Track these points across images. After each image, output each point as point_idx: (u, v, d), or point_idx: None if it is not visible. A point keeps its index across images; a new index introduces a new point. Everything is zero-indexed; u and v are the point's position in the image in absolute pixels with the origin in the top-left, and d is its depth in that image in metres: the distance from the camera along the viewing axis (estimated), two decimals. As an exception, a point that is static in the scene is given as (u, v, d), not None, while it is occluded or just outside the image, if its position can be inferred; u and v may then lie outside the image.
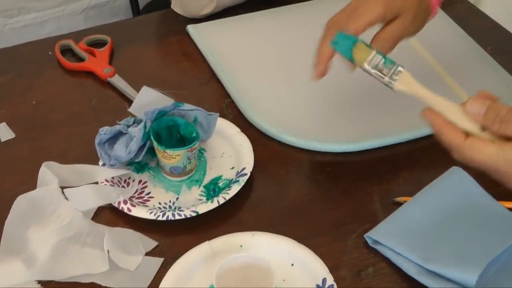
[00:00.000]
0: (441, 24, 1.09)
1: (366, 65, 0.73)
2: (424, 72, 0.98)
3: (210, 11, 1.10)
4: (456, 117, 0.67)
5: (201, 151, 0.87)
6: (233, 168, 0.85)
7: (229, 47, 1.04)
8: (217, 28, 1.08)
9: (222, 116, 0.91)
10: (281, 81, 0.98)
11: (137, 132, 0.81)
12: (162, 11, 1.15)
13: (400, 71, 0.72)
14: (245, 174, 0.82)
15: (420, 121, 0.70)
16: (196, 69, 1.02)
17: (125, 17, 1.77)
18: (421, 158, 0.87)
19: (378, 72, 0.72)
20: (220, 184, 0.83)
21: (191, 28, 1.08)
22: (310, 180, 0.85)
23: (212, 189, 0.82)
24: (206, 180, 0.84)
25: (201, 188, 0.83)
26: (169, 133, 0.84)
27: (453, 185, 0.81)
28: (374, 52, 0.73)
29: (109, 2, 1.72)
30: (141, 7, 1.71)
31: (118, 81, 0.98)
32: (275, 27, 1.09)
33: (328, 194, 0.83)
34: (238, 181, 0.82)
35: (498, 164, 0.65)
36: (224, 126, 0.89)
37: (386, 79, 0.72)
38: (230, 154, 0.87)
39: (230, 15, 1.11)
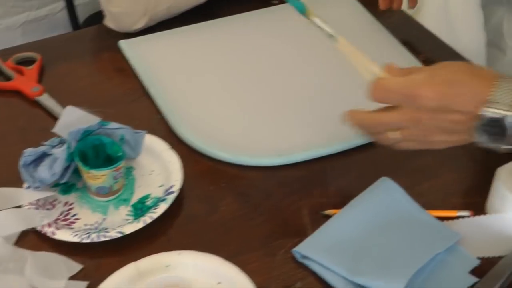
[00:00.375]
0: (373, 32, 1.10)
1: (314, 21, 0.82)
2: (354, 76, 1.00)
3: (143, 26, 1.08)
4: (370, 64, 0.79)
5: (129, 169, 0.86)
6: (161, 186, 0.84)
7: (161, 62, 1.03)
8: (150, 43, 1.07)
9: (153, 132, 0.90)
10: (213, 96, 0.98)
11: (61, 153, 0.79)
12: (94, 26, 1.13)
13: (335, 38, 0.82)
14: (173, 192, 0.81)
15: (350, 133, 0.71)
16: (128, 86, 1.00)
17: (65, 30, 1.75)
18: (351, 171, 0.87)
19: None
20: (148, 203, 0.82)
21: (123, 44, 1.06)
22: (240, 196, 0.84)
23: (140, 208, 0.81)
24: (134, 199, 0.83)
25: (129, 208, 0.82)
26: (96, 152, 0.83)
27: (381, 195, 0.82)
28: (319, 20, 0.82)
29: (48, 16, 1.70)
30: (81, 20, 1.69)
31: (46, 100, 0.96)
32: (209, 41, 1.08)
33: (258, 209, 0.83)
34: (165, 199, 0.81)
35: (408, 85, 0.74)
36: (154, 143, 0.88)
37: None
38: (159, 172, 0.86)
39: (165, 29, 1.11)
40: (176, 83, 0.99)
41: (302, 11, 0.82)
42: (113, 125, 0.82)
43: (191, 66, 1.03)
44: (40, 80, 1.01)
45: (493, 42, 1.26)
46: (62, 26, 1.76)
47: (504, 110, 0.69)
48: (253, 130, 0.92)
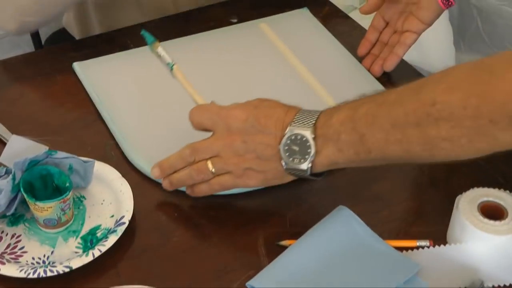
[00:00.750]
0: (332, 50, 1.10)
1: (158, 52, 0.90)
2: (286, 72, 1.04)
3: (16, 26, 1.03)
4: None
5: (80, 199, 0.83)
6: (112, 216, 0.81)
7: (116, 84, 1.00)
8: (105, 65, 1.04)
9: (105, 159, 0.87)
10: (168, 120, 0.95)
11: (5, 184, 0.76)
12: (49, 47, 1.11)
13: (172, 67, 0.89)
14: (124, 223, 0.79)
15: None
16: (80, 110, 0.97)
17: (29, 48, 1.71)
18: (308, 199, 0.85)
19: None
20: (98, 235, 0.79)
21: (77, 66, 1.03)
22: (193, 226, 0.82)
23: (90, 240, 0.78)
24: (84, 231, 0.80)
25: (78, 240, 0.79)
26: (44, 183, 0.80)
27: (338, 225, 0.80)
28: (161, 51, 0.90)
29: (9, 34, 1.66)
30: (44, 38, 1.66)
31: (-5, 126, 0.93)
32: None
33: (211, 240, 0.80)
34: (115, 231, 0.78)
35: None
36: (105, 171, 0.85)
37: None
38: (110, 201, 0.83)
39: (121, 50, 1.08)
40: (130, 107, 0.96)
41: (150, 42, 0.90)
42: (60, 154, 0.79)
43: (147, 88, 1.00)
44: (-11, 105, 0.98)
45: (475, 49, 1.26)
46: (25, 44, 1.71)
47: (305, 128, 0.75)
48: None
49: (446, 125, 0.67)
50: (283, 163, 0.77)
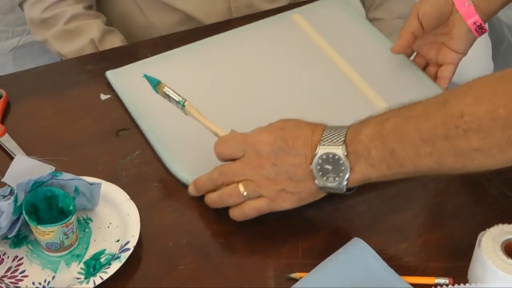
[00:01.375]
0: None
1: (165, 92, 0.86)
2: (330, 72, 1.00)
3: None
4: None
5: (86, 221, 0.81)
6: (118, 240, 0.78)
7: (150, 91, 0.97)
8: (138, 72, 1.00)
9: (115, 180, 0.85)
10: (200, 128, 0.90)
11: (6, 206, 0.74)
12: (66, 60, 1.08)
13: (183, 105, 0.85)
14: (128, 249, 0.76)
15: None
16: (96, 127, 0.94)
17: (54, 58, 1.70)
18: (324, 228, 0.81)
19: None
20: (102, 260, 0.76)
21: (110, 74, 1.00)
22: (201, 254, 0.78)
23: (93, 266, 0.76)
24: (88, 255, 0.77)
25: (81, 265, 0.76)
26: (49, 204, 0.77)
27: (352, 259, 0.76)
28: (169, 91, 0.86)
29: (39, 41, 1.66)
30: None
31: (7, 142, 0.91)
32: (194, 65, 1.03)
33: (219, 269, 0.77)
34: (119, 257, 0.75)
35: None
36: (113, 193, 0.82)
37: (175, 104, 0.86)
38: (117, 225, 0.80)
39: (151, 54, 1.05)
40: (167, 115, 0.92)
41: (154, 85, 0.86)
42: (66, 176, 0.77)
43: (184, 93, 0.96)
44: (3, 118, 0.96)
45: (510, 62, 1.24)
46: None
47: (335, 146, 0.74)
48: None
49: (476, 136, 0.67)
50: (317, 182, 0.75)
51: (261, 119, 0.88)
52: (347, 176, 0.74)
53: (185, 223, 0.82)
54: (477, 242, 0.73)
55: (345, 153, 0.74)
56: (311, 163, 0.75)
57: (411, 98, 0.75)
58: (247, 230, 0.81)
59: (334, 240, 0.79)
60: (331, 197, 0.83)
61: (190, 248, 0.79)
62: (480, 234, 0.73)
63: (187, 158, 0.88)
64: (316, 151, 0.75)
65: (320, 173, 0.75)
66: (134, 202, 0.81)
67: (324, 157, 0.74)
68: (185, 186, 0.85)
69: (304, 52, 1.04)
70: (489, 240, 0.72)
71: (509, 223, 0.78)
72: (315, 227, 0.81)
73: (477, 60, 1.54)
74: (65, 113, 0.97)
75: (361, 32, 1.07)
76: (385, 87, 0.96)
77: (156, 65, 1.02)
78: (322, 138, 0.75)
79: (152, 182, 0.87)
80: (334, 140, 0.75)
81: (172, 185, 0.86)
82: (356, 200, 0.83)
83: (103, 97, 0.99)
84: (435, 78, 0.99)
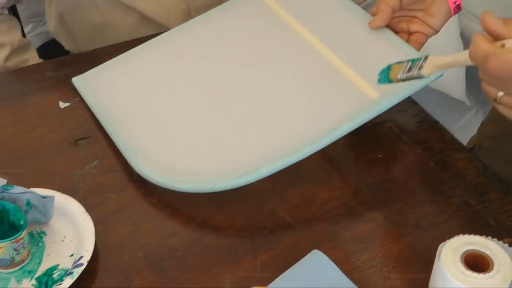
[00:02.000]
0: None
1: (399, 77, 0.78)
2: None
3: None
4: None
5: (40, 235, 0.78)
6: (72, 255, 0.76)
7: (118, 95, 0.95)
8: (103, 76, 0.99)
9: (72, 191, 0.83)
10: (177, 125, 0.90)
11: (-46, 221, 0.72)
12: (27, 66, 1.06)
13: (424, 60, 0.76)
14: (81, 265, 0.74)
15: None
16: (54, 136, 0.92)
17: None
18: (284, 239, 0.79)
19: (408, 75, 0.77)
20: (54, 276, 0.74)
21: (76, 81, 0.98)
22: (158, 268, 0.76)
23: (45, 282, 0.74)
24: (41, 271, 0.75)
25: (33, 281, 0.74)
26: (0, 219, 0.75)
27: (312, 271, 0.74)
28: (404, 64, 0.78)
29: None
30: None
31: (-41, 154, 0.88)
32: (153, 64, 1.00)
33: (176, 283, 0.75)
34: (72, 273, 0.73)
35: None
36: (69, 205, 0.80)
37: (415, 74, 0.77)
38: (71, 238, 0.78)
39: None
40: (135, 117, 0.91)
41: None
42: (17, 189, 0.75)
43: (150, 93, 0.95)
44: (-42, 128, 0.93)
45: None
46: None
47: None
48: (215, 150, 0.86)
49: None
50: None
51: (237, 111, 0.88)
52: None
53: (142, 236, 0.80)
54: (437, 254, 0.72)
55: None
56: None
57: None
58: (205, 242, 0.79)
59: (294, 252, 0.77)
60: (291, 206, 0.82)
61: (147, 262, 0.77)
62: (440, 246, 0.72)
63: (155, 161, 0.85)
64: None
65: None
66: (91, 214, 0.79)
67: None
68: (144, 198, 0.83)
69: (275, 33, 0.99)
70: (449, 252, 0.71)
71: (472, 232, 0.77)
72: (274, 239, 0.79)
73: (445, 37, 1.54)
74: (21, 122, 0.95)
75: (335, 6, 0.99)
76: (365, 64, 0.90)
77: (122, 65, 1.00)
78: None
79: (109, 193, 0.85)
80: None
81: (130, 197, 0.84)
82: (317, 210, 0.82)
83: (62, 105, 0.97)
84: None
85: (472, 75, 1.64)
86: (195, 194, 0.81)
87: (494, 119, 1.07)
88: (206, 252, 0.78)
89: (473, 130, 1.53)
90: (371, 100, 0.84)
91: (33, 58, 1.16)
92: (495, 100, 0.70)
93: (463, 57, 0.72)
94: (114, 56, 1.02)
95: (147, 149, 0.87)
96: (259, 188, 0.84)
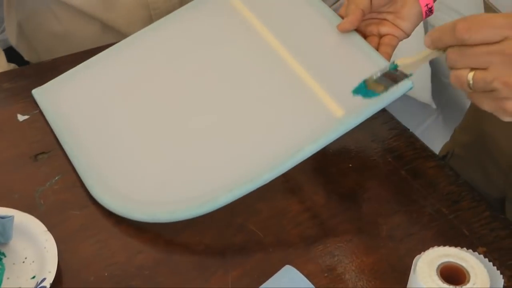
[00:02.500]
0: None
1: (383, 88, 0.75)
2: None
3: None
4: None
5: (-1, 257, 0.75)
6: (34, 277, 0.73)
7: (81, 108, 0.91)
8: (66, 87, 0.95)
9: (33, 209, 0.79)
10: (137, 145, 0.86)
11: None
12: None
13: (397, 64, 0.72)
14: (44, 287, 0.70)
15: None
16: (13, 150, 0.88)
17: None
18: (256, 254, 0.77)
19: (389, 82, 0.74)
20: (15, 300, 0.71)
21: (36, 93, 0.94)
22: (125, 287, 0.74)
23: (5, 307, 0.70)
24: (0, 295, 0.72)
25: (-8, 306, 0.71)
26: (-43, 240, 0.72)
27: (285, 284, 0.72)
28: (377, 73, 0.74)
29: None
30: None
31: None
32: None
33: (143, 304, 0.72)
34: (34, 297, 0.70)
35: None
36: (30, 224, 0.76)
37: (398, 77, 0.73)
38: (33, 259, 0.74)
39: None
40: (95, 133, 0.88)
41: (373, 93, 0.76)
42: (-26, 209, 0.71)
43: (98, 110, 0.91)
44: None
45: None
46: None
47: None
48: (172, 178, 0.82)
49: None
50: None
51: (194, 133, 0.85)
52: None
53: (108, 255, 0.77)
54: (412, 267, 0.70)
55: None
56: None
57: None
58: (174, 260, 0.76)
59: (266, 268, 0.74)
60: (261, 220, 0.80)
61: (113, 282, 0.74)
62: (415, 258, 0.70)
63: (112, 187, 0.82)
64: None
65: None
66: (53, 233, 0.76)
67: None
68: (109, 213, 0.80)
69: (239, 39, 0.93)
70: (425, 265, 0.69)
71: (446, 242, 0.75)
72: (245, 254, 0.77)
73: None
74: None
75: (305, 7, 0.93)
76: (328, 74, 0.85)
77: (81, 76, 0.96)
78: None
79: (72, 210, 0.81)
80: None
81: (94, 213, 0.81)
82: (288, 223, 0.80)
83: (21, 118, 0.93)
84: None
85: (434, 78, 1.64)
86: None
87: (467, 126, 1.06)
88: (175, 270, 0.75)
89: (434, 136, 1.53)
90: (335, 119, 0.80)
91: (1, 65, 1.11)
92: (469, 86, 0.63)
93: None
94: (74, 66, 0.99)
95: (103, 174, 0.83)
96: (228, 202, 0.82)
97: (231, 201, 0.77)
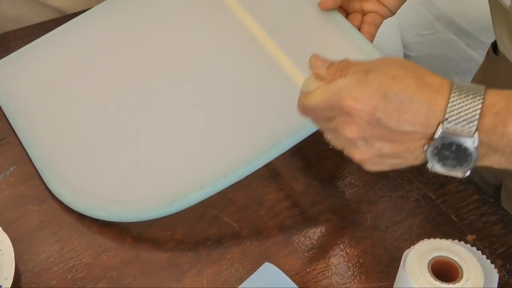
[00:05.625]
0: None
1: None
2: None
3: None
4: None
5: (-50, 261, 0.68)
6: (-11, 284, 0.66)
7: (33, 89, 0.83)
8: (18, 65, 0.87)
9: (-14, 205, 0.73)
10: (96, 134, 0.78)
11: None
12: None
13: None
14: (1, 296, 0.64)
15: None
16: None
17: None
18: (232, 250, 0.71)
19: None
20: (-31, 310, 0.65)
21: None
22: (90, 293, 0.68)
23: (-42, 319, 0.64)
24: (-47, 305, 0.65)
25: None
26: None
27: (265, 284, 0.67)
28: None
29: None
30: None
31: None
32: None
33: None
34: (-11, 307, 0.63)
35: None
36: (-17, 224, 0.70)
37: None
38: (-12, 264, 0.68)
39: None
40: (50, 118, 0.80)
41: None
42: None
43: (54, 93, 0.83)
44: None
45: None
46: None
47: (462, 136, 0.55)
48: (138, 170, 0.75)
49: None
50: (429, 166, 0.59)
51: (162, 124, 0.78)
52: (471, 167, 0.58)
53: (71, 255, 0.70)
54: (401, 262, 0.65)
55: (476, 145, 0.56)
56: (425, 145, 0.57)
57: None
58: (143, 258, 0.70)
59: (243, 264, 0.70)
60: (237, 210, 0.75)
61: (78, 286, 0.68)
62: (405, 253, 0.65)
63: (72, 182, 0.75)
64: (436, 134, 0.56)
65: (437, 158, 0.57)
66: (8, 233, 0.69)
67: (446, 143, 0.56)
68: (71, 208, 0.74)
69: (212, 16, 0.85)
70: (415, 260, 0.65)
71: (433, 229, 0.72)
72: (221, 250, 0.71)
73: (386, 38, 1.49)
74: None
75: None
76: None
77: (37, 54, 0.88)
78: (448, 115, 0.55)
79: (30, 205, 0.75)
80: (464, 116, 0.55)
81: (54, 208, 0.74)
82: (266, 214, 0.74)
83: (-30, 102, 0.85)
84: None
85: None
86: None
87: None
88: (144, 270, 0.69)
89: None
90: None
91: None
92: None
93: None
94: (27, 41, 0.90)
95: (62, 166, 0.76)
96: (200, 191, 0.76)
97: (203, 198, 0.71)
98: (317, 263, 0.70)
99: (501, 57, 0.87)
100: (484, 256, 0.65)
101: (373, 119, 0.57)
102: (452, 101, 0.55)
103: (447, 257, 0.65)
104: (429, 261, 0.65)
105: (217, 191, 0.71)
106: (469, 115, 0.55)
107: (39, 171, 0.77)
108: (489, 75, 0.92)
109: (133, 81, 0.82)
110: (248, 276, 0.68)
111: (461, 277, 0.64)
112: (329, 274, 0.69)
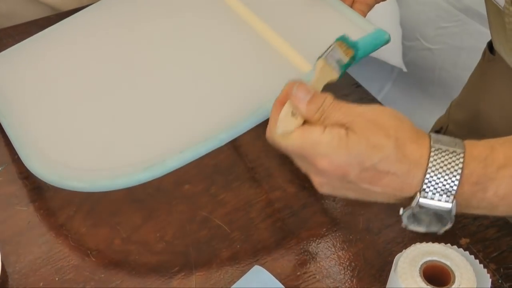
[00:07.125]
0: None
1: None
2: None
3: None
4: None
5: None
6: (-25, 286, 0.65)
7: (19, 82, 0.82)
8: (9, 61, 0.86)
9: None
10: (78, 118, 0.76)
11: None
12: None
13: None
14: (-14, 299, 0.63)
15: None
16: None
17: None
18: (221, 253, 0.70)
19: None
20: (-46, 312, 0.64)
21: None
22: (76, 294, 0.67)
23: None
24: None
25: None
26: None
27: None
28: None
29: None
30: None
31: None
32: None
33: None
34: (-25, 310, 0.63)
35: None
36: (-30, 224, 0.69)
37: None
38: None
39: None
40: (37, 107, 0.79)
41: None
42: None
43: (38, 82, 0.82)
44: None
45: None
46: None
47: (441, 202, 0.56)
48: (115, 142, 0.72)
49: None
50: (404, 226, 0.59)
51: (142, 92, 0.76)
52: (447, 226, 0.58)
53: (59, 256, 0.69)
54: (393, 267, 0.64)
55: (453, 211, 0.56)
56: (400, 209, 0.58)
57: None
58: (132, 260, 0.69)
59: (233, 266, 0.69)
60: (227, 212, 0.74)
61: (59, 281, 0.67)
62: (396, 257, 0.65)
63: (48, 156, 0.72)
64: (413, 203, 0.56)
65: (411, 220, 0.58)
66: (-5, 234, 0.69)
67: (423, 209, 0.57)
68: (59, 209, 0.73)
69: (202, 7, 0.85)
70: (406, 265, 0.64)
71: (426, 233, 0.70)
72: (210, 252, 0.70)
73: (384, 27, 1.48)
74: None
75: None
76: (296, 31, 0.77)
77: (28, 51, 0.87)
78: (425, 186, 0.55)
79: (18, 205, 0.74)
80: (441, 187, 0.55)
81: (43, 208, 0.74)
82: (257, 216, 0.73)
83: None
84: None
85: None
86: (115, 202, 0.72)
87: (463, 102, 0.99)
88: (132, 272, 0.68)
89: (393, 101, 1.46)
90: (303, 73, 0.71)
91: None
92: None
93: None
94: (18, 39, 0.89)
95: (39, 142, 0.73)
96: (190, 192, 0.75)
97: (182, 165, 0.67)
98: (308, 266, 0.69)
99: (497, 57, 0.86)
100: (477, 261, 0.65)
101: (344, 180, 0.56)
102: (430, 174, 0.55)
103: (439, 261, 0.64)
104: (421, 265, 0.64)
105: (196, 157, 0.67)
106: (447, 186, 0.55)
107: (17, 150, 0.75)
108: (485, 74, 0.91)
109: (117, 58, 0.81)
110: (238, 279, 0.67)
111: (453, 281, 0.63)
112: (320, 277, 0.68)
